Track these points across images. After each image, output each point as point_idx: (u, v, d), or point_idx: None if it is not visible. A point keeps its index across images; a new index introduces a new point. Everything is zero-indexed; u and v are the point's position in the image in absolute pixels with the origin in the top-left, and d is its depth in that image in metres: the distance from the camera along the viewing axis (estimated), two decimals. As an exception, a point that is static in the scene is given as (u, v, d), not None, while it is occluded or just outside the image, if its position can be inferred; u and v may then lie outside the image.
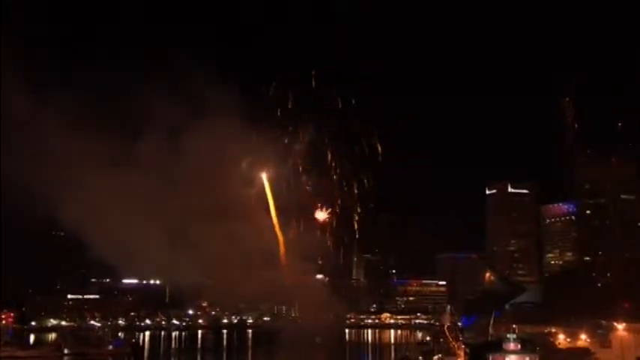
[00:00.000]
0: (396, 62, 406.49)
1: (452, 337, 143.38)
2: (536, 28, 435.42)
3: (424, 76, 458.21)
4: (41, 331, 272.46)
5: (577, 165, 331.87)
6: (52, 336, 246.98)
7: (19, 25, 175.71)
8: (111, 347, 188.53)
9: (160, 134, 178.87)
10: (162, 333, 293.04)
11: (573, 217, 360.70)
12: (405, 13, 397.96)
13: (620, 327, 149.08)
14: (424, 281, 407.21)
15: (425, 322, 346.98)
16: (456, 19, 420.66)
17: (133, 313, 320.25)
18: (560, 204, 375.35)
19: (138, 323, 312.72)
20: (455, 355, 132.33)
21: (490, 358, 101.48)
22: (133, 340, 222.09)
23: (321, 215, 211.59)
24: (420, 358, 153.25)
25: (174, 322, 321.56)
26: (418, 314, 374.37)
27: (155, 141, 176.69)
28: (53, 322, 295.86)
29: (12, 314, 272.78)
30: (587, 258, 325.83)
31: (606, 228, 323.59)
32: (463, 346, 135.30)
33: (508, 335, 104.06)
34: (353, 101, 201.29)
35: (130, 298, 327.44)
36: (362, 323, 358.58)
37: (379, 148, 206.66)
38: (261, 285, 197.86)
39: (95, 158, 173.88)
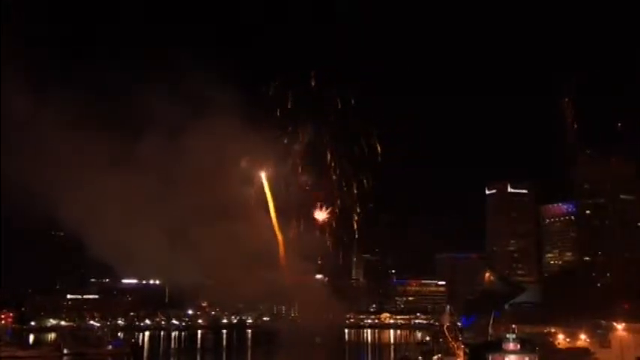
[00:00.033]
0: (396, 62, 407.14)
1: (451, 337, 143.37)
2: (536, 28, 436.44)
3: (424, 76, 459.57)
4: (40, 331, 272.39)
5: (577, 165, 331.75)
6: (52, 336, 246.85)
7: (19, 25, 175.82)
8: (110, 347, 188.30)
9: (160, 134, 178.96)
10: (162, 333, 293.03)
11: (573, 217, 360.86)
12: (405, 13, 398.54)
13: (620, 327, 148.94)
14: (424, 281, 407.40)
15: (424, 322, 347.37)
16: (455, 19, 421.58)
17: (132, 313, 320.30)
18: (560, 204, 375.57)
19: (137, 323, 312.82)
20: (454, 355, 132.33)
21: (489, 358, 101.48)
22: (133, 340, 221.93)
23: (321, 215, 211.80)
24: (420, 358, 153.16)
25: (174, 322, 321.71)
26: (418, 314, 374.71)
27: (155, 141, 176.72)
28: (52, 322, 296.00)
29: (11, 314, 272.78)
30: (587, 258, 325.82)
31: (606, 228, 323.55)
32: (462, 346, 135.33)
33: (507, 335, 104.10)
34: (352, 101, 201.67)
35: (130, 298, 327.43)
36: (361, 323, 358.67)
37: (379, 148, 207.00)
38: (260, 285, 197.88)
39: (95, 158, 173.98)
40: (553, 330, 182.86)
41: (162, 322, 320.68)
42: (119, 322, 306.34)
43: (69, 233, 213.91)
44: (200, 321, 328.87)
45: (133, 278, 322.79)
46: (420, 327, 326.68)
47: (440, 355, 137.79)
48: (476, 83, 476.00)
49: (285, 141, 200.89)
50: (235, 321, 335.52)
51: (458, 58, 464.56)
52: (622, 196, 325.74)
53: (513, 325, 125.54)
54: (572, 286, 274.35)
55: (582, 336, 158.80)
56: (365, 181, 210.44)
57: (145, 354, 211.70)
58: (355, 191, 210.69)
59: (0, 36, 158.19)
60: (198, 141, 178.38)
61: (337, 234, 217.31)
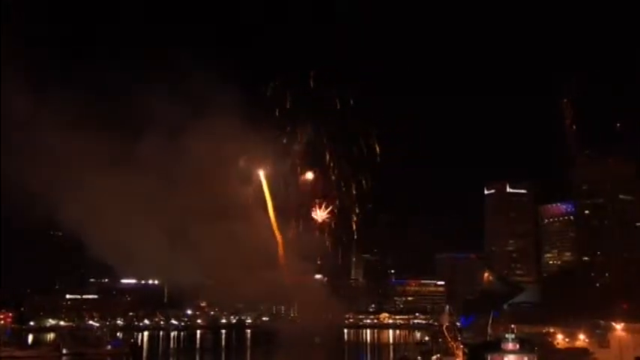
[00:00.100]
0: (395, 62, 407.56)
1: (450, 337, 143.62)
2: (536, 28, 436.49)
3: (424, 76, 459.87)
4: (40, 331, 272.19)
5: (576, 165, 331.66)
6: (51, 336, 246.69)
7: (19, 25, 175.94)
8: (109, 347, 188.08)
9: (159, 134, 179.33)
10: (161, 333, 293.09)
11: (572, 217, 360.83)
12: (405, 13, 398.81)
13: (619, 327, 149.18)
14: (423, 281, 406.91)
15: (423, 322, 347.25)
16: (455, 19, 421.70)
17: (131, 313, 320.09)
18: (559, 204, 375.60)
19: (136, 323, 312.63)
20: (453, 355, 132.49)
21: (488, 358, 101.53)
22: (132, 340, 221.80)
23: (320, 215, 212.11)
24: (419, 358, 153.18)
25: (173, 322, 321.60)
26: (417, 314, 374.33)
27: (154, 141, 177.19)
28: (52, 322, 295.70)
29: (10, 314, 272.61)
30: (586, 258, 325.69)
31: (605, 228, 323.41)
32: (462, 346, 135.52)
33: (506, 335, 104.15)
34: (351, 101, 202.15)
35: (129, 298, 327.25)
36: (360, 323, 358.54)
37: (377, 149, 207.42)
38: (259, 285, 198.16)
39: (94, 158, 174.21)
40: (552, 330, 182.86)
41: (162, 322, 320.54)
42: (118, 322, 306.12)
43: (68, 233, 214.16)
44: (199, 321, 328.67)
45: (132, 278, 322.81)
46: (419, 327, 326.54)
47: (439, 355, 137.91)
48: (475, 83, 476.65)
49: (284, 141, 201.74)
50: (234, 321, 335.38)
51: (458, 58, 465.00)
52: (621, 196, 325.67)
53: (512, 325, 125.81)
54: (571, 286, 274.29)
55: (581, 336, 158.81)
56: (364, 181, 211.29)
57: (144, 354, 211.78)
58: (354, 191, 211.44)
59: (0, 36, 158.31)
60: (197, 141, 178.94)
61: (336, 234, 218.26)
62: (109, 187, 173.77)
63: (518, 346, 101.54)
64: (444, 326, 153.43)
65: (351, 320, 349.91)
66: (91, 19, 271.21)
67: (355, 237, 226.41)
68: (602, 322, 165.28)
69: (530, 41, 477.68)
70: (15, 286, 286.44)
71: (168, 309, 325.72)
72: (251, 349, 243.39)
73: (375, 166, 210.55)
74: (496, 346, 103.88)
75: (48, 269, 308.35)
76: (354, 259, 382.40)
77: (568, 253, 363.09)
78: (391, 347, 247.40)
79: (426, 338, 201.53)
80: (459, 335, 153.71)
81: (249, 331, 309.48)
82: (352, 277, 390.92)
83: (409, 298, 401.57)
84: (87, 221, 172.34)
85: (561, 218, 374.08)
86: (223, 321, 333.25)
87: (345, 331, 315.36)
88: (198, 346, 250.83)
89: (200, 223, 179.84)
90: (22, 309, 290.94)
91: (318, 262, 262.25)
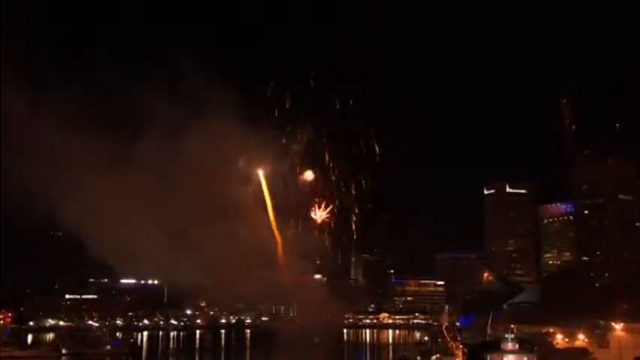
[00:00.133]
0: (395, 62, 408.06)
1: (450, 337, 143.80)
2: (536, 28, 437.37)
3: (424, 76, 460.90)
4: (39, 331, 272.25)
5: (575, 165, 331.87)
6: (50, 336, 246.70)
7: (19, 25, 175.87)
8: (109, 347, 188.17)
9: (159, 134, 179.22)
10: (161, 333, 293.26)
11: (571, 217, 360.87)
12: (405, 13, 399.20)
13: (618, 327, 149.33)
14: (422, 281, 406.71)
15: (423, 322, 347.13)
16: (455, 19, 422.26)
17: (131, 313, 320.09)
18: (558, 204, 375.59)
19: (136, 323, 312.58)
20: (453, 355, 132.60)
21: (488, 358, 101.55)
22: (131, 340, 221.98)
23: (320, 215, 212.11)
24: (418, 358, 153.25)
25: (173, 322, 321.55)
26: (416, 314, 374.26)
27: (154, 141, 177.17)
28: (51, 322, 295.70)
29: (10, 314, 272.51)
30: (585, 258, 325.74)
31: (604, 228, 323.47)
32: (461, 346, 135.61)
33: (506, 335, 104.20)
34: (351, 101, 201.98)
35: (128, 298, 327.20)
36: (360, 323, 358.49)
37: (377, 149, 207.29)
38: (259, 285, 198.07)
39: (94, 158, 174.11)
40: (551, 330, 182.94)
41: (161, 322, 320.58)
42: (118, 322, 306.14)
43: (68, 233, 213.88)
44: (199, 321, 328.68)
45: (132, 278, 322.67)
46: (418, 327, 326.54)
47: (438, 355, 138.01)
48: (475, 83, 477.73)
49: (284, 141, 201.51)
50: (234, 321, 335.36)
51: (457, 58, 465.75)
52: (620, 196, 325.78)
53: (512, 325, 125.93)
54: (571, 286, 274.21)
55: (581, 336, 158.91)
56: (363, 181, 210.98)
57: (144, 354, 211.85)
58: (354, 191, 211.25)
59: (0, 36, 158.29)
60: (196, 141, 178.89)
61: (336, 234, 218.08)
62: (109, 187, 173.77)
63: (517, 346, 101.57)
64: (444, 326, 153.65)
65: (351, 320, 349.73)
66: (91, 19, 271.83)
67: (355, 237, 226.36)
68: (601, 322, 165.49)
69: (530, 41, 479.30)
70: (15, 286, 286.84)
71: (167, 309, 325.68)
72: (250, 349, 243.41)
73: (374, 166, 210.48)
74: (496, 346, 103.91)
75: (48, 269, 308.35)
76: (353, 259, 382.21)
77: (568, 253, 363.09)
78: (390, 347, 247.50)
79: (426, 338, 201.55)
80: (458, 335, 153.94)
81: (248, 331, 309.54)
82: (352, 277, 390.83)
83: (409, 298, 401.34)
84: (87, 221, 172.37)
85: (561, 218, 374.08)
86: (223, 321, 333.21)
87: (345, 331, 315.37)
88: (197, 346, 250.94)
89: (200, 223, 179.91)
90: (22, 309, 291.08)
91: (318, 262, 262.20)
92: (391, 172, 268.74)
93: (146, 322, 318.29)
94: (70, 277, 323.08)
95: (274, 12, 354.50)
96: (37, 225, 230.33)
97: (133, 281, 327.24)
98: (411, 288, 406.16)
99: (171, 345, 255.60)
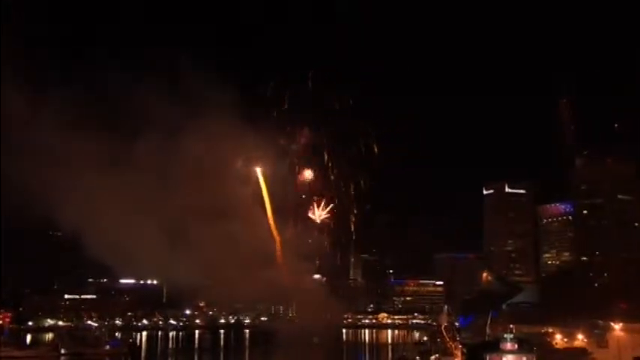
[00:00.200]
0: (395, 62, 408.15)
1: (449, 337, 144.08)
2: (536, 28, 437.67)
3: (423, 76, 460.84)
4: (38, 331, 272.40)
5: (575, 165, 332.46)
6: (49, 336, 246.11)
7: (19, 25, 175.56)
8: (108, 347, 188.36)
9: (158, 134, 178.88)
10: (160, 333, 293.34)
11: (570, 217, 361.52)
12: (404, 13, 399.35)
13: (617, 327, 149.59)
14: (421, 281, 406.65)
15: (422, 322, 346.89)
16: (455, 19, 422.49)
17: (130, 313, 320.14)
18: (558, 204, 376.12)
19: (135, 323, 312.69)
20: (452, 355, 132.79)
21: (487, 358, 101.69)
22: (130, 340, 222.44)
23: (319, 215, 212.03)
24: (418, 358, 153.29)
25: (172, 322, 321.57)
26: (415, 314, 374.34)
27: (153, 141, 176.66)
28: (50, 322, 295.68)
29: (9, 314, 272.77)
30: (584, 258, 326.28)
31: (603, 228, 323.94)
32: (460, 346, 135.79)
33: (505, 335, 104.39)
34: (350, 101, 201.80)
35: (127, 298, 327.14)
36: (359, 323, 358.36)
37: (376, 149, 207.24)
38: (258, 285, 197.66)
39: (93, 158, 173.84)
40: (551, 330, 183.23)
41: (160, 322, 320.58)
42: (117, 322, 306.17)
43: (67, 233, 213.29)
44: (198, 321, 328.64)
45: (131, 278, 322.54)
46: (417, 327, 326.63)
47: (437, 355, 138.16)
48: (474, 83, 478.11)
49: (283, 141, 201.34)
50: (233, 321, 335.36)
51: (457, 58, 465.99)
52: (619, 197, 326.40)
53: (511, 325, 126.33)
54: (570, 286, 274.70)
55: (580, 336, 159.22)
56: (362, 181, 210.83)
57: (143, 354, 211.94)
58: (353, 191, 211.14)
59: (0, 36, 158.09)
60: (196, 141, 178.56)
61: (335, 234, 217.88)
62: (108, 187, 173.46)
63: (516, 346, 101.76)
64: (443, 326, 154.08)
65: (350, 320, 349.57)
66: (91, 19, 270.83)
67: (354, 237, 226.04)
68: (600, 322, 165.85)
69: (530, 41, 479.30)
70: (14, 285, 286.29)
71: (166, 309, 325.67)
72: (249, 349, 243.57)
73: (374, 166, 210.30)
74: (495, 346, 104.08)
75: (47, 269, 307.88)
76: (352, 259, 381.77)
77: (567, 253, 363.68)
78: (390, 347, 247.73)
79: (425, 338, 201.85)
80: (457, 335, 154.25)
81: (247, 331, 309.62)
82: (351, 277, 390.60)
83: (408, 298, 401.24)
84: (86, 221, 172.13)
85: (560, 218, 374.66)
86: (222, 321, 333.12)
87: (344, 331, 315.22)
88: (196, 346, 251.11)
89: (199, 223, 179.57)
90: (21, 309, 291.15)
91: (317, 262, 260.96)
92: (390, 172, 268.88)
93: (145, 322, 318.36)
94: (69, 277, 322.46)
95: (274, 12, 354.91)
96: (36, 225, 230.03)
97: (132, 281, 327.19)
98: (410, 288, 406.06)
99: (170, 345, 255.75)
